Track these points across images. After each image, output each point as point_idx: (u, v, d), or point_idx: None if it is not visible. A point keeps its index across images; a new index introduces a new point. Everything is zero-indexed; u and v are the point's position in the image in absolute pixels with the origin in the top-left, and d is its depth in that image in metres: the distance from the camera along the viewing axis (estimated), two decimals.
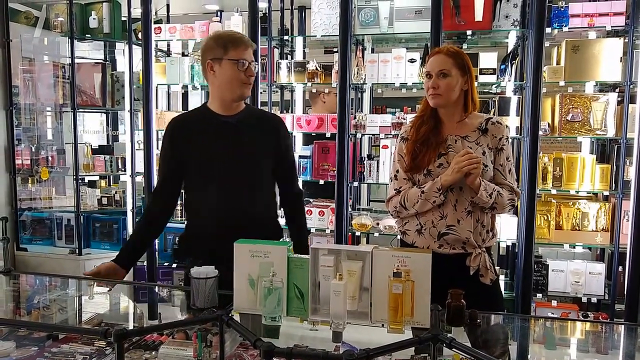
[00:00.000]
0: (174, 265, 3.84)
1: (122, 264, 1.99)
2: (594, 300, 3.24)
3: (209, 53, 1.94)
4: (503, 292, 2.32)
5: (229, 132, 1.99)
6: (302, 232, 2.16)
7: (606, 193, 3.28)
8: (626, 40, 3.16)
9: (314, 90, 3.75)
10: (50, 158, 4.03)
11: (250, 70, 1.93)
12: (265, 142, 2.01)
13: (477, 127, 2.00)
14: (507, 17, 3.18)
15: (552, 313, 3.21)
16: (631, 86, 3.10)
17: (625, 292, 3.03)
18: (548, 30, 3.07)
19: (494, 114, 3.15)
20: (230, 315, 1.45)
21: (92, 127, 4.58)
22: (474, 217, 1.96)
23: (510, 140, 2.04)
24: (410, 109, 7.68)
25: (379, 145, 3.48)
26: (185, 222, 2.17)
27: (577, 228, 3.26)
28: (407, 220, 2.05)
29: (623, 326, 2.21)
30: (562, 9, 3.11)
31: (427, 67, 1.99)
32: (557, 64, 3.31)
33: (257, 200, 2.02)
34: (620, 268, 3.16)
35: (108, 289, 2.05)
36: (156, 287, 2.72)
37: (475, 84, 2.06)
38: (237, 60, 1.90)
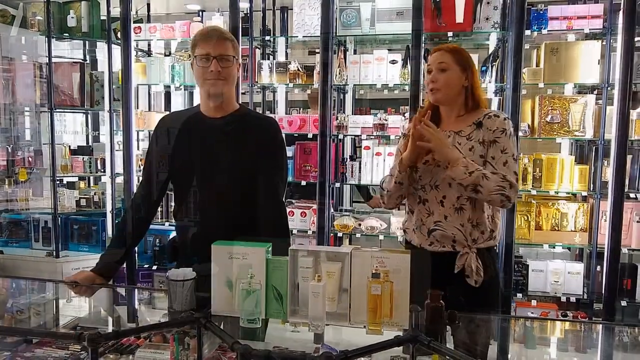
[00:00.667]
0: (154, 267, 3.79)
1: (101, 272, 1.90)
2: (572, 299, 3.28)
3: (190, 53, 1.90)
4: None
5: (212, 135, 1.91)
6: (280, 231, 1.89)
7: (584, 193, 3.33)
8: (604, 43, 3.21)
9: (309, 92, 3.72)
10: (27, 159, 3.96)
11: (214, 65, 1.80)
12: (253, 147, 1.90)
13: (473, 122, 1.97)
14: (487, 19, 3.21)
15: (532, 312, 3.24)
16: (609, 88, 3.16)
17: (603, 292, 3.07)
18: (527, 32, 3.10)
19: None
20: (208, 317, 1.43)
21: (71, 128, 4.51)
22: (465, 215, 1.93)
23: (510, 133, 1.94)
24: (394, 110, 7.72)
25: (361, 146, 3.48)
26: (175, 225, 2.13)
27: (557, 228, 3.30)
28: (407, 219, 2.08)
29: (601, 325, 2.24)
30: (541, 12, 3.15)
31: (427, 63, 2.00)
32: (536, 66, 3.35)
33: (239, 207, 1.92)
34: (598, 268, 3.20)
35: (85, 294, 1.97)
36: (135, 290, 2.68)
37: (481, 82, 2.06)
38: (198, 55, 1.83)
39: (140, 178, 2.26)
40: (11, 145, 3.94)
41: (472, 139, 1.94)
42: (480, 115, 1.97)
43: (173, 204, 3.52)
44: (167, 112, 4.22)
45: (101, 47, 4.24)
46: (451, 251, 1.96)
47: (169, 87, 3.98)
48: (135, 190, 3.52)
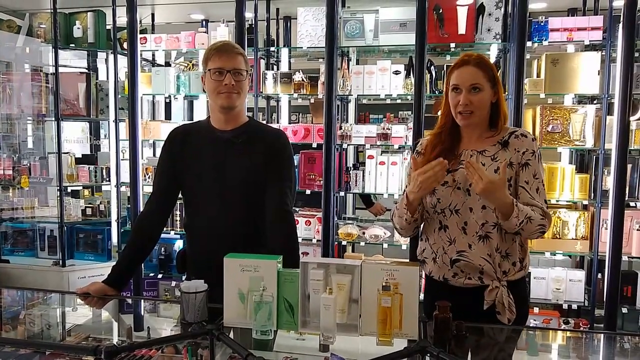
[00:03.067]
0: (160, 276, 3.82)
1: (113, 284, 1.93)
2: (574, 306, 3.31)
3: (203, 67, 1.94)
4: None
5: (221, 148, 1.94)
6: (289, 259, 1.70)
7: (585, 202, 3.36)
8: (603, 53, 3.26)
9: (311, 100, 3.74)
10: (31, 167, 3.99)
11: (228, 79, 1.84)
12: (262, 159, 1.92)
13: (497, 141, 1.80)
14: (489, 30, 3.26)
15: (535, 320, 3.27)
16: (608, 98, 3.20)
17: (604, 299, 3.10)
18: (529, 44, 3.15)
19: None
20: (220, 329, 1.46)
21: (72, 136, 4.54)
22: (491, 244, 1.75)
23: (539, 155, 1.80)
24: (393, 115, 7.79)
25: (363, 152, 3.52)
26: (185, 236, 2.14)
27: (558, 236, 3.33)
28: (424, 247, 1.90)
29: (602, 334, 2.27)
30: (542, 24, 3.20)
31: (453, 79, 1.77)
32: (537, 77, 3.39)
33: (248, 219, 1.94)
34: (599, 275, 3.23)
35: (96, 305, 1.98)
36: (142, 300, 2.70)
37: (504, 94, 1.87)
38: (212, 69, 1.87)
39: (147, 189, 2.26)
40: (17, 154, 3.97)
41: (497, 159, 1.77)
42: (505, 134, 1.81)
43: (178, 212, 3.60)
44: (170, 122, 4.26)
45: (102, 57, 4.29)
46: (478, 285, 1.77)
47: (170, 97, 4.02)
48: (142, 201, 3.56)
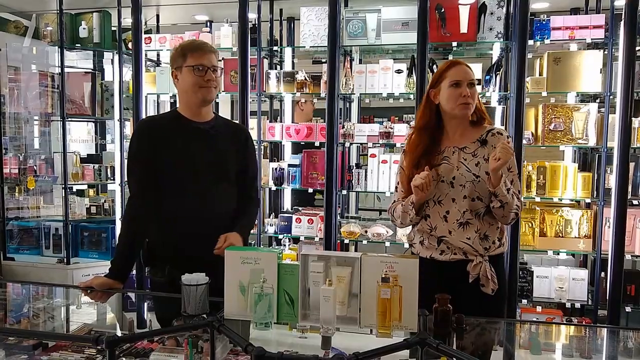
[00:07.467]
0: None
1: (116, 277, 1.96)
2: (577, 305, 3.29)
3: (173, 63, 2.05)
4: None
5: (203, 138, 2.05)
6: (243, 227, 2.04)
7: (588, 200, 3.35)
8: (606, 52, 3.26)
9: (303, 100, 3.78)
10: (37, 167, 4.02)
11: (209, 75, 1.99)
12: (235, 150, 2.11)
13: (477, 139, 1.97)
14: (491, 29, 3.26)
15: (537, 318, 3.26)
16: (611, 97, 3.19)
17: (607, 298, 3.09)
18: (530, 42, 3.15)
19: None
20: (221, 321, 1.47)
21: (78, 136, 4.58)
22: (471, 229, 1.92)
23: (513, 151, 1.93)
24: (397, 118, 7.78)
25: (367, 154, 3.53)
26: (153, 227, 2.05)
27: (561, 235, 3.32)
28: (414, 234, 2.07)
29: (605, 329, 2.26)
30: (543, 22, 3.20)
31: (455, 76, 1.93)
32: (539, 75, 3.39)
33: (227, 206, 2.06)
34: (602, 274, 3.22)
35: (100, 299, 2.00)
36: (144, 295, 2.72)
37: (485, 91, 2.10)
38: (194, 65, 1.98)
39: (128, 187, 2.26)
40: (23, 154, 4.01)
41: (477, 155, 1.94)
42: (483, 132, 1.98)
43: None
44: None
45: (107, 57, 4.33)
46: (463, 259, 1.93)
47: (174, 96, 4.04)
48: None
